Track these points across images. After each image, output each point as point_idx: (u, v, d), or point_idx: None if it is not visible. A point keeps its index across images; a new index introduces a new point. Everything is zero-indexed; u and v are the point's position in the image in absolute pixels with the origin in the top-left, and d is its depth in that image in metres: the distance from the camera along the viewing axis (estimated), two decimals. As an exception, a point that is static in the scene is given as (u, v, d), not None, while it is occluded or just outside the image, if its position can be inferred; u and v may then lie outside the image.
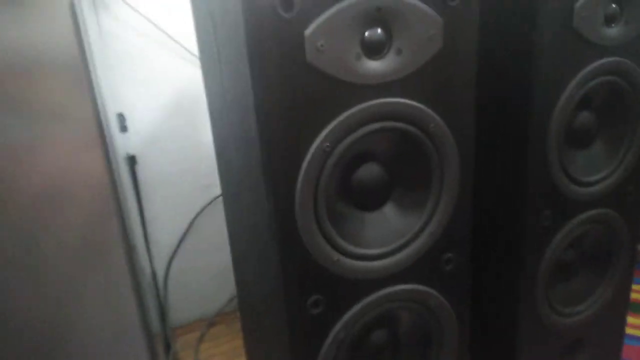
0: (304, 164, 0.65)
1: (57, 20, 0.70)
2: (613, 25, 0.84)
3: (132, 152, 1.54)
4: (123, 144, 1.42)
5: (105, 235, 0.76)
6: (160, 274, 1.70)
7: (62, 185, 0.72)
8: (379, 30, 0.64)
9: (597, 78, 0.84)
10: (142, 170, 1.57)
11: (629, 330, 1.14)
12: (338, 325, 0.73)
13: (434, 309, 0.80)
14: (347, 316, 0.74)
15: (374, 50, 0.65)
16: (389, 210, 0.75)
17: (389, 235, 0.74)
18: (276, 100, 0.61)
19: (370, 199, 0.74)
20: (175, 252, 1.70)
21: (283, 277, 0.69)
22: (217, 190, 1.68)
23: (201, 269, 1.75)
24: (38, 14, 0.69)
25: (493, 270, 0.96)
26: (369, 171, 0.72)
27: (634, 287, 1.07)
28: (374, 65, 0.65)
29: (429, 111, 0.69)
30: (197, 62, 1.54)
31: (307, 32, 0.60)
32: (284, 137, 0.63)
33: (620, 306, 1.05)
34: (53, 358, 0.80)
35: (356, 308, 0.74)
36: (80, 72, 0.73)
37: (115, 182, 0.79)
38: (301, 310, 0.71)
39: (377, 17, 0.63)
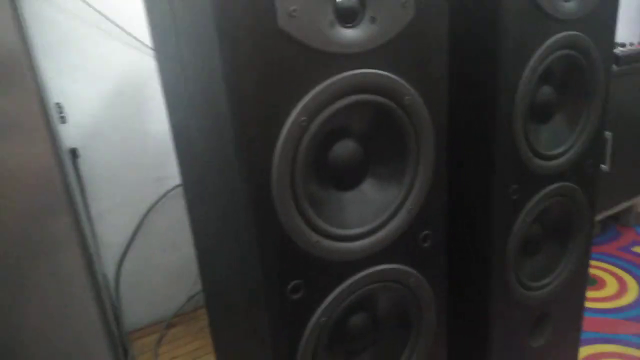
0: (280, 140, 0.60)
1: None
2: (570, -1, 0.85)
3: (72, 144, 1.43)
4: (62, 136, 1.31)
5: (57, 230, 0.69)
6: (111, 275, 1.59)
7: (7, 179, 0.65)
8: (353, -3, 0.61)
9: (556, 52, 0.85)
10: (84, 164, 1.46)
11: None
12: (319, 310, 0.70)
13: (413, 288, 0.78)
14: (328, 300, 0.70)
15: (347, 17, 0.62)
16: (366, 189, 0.72)
17: (368, 214, 0.71)
18: (247, 71, 0.57)
19: (346, 177, 0.71)
20: (125, 251, 1.60)
21: (261, 263, 0.64)
22: (168, 183, 1.60)
23: (155, 268, 1.66)
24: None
25: (463, 247, 0.96)
26: (344, 148, 0.69)
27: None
28: (348, 34, 0.62)
29: (404, 83, 0.67)
30: (140, 47, 1.45)
31: (279, -4, 0.56)
32: (257, 111, 0.59)
33: (581, 278, 1.09)
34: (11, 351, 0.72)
35: (337, 291, 0.71)
36: (21, 60, 0.66)
37: (65, 175, 0.72)
38: (281, 297, 0.67)
39: (351, -17, 0.60)
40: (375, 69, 0.65)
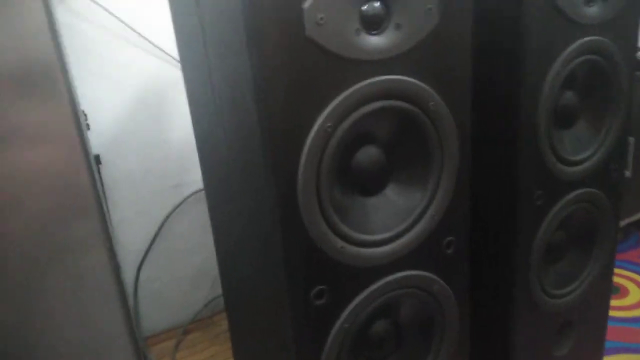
0: (306, 146, 0.61)
1: (32, 15, 0.65)
2: (592, 4, 0.85)
3: (95, 151, 1.45)
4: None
5: (87, 233, 0.71)
6: (129, 281, 1.61)
7: (40, 182, 0.67)
8: (378, 4, 0.62)
9: (580, 57, 0.85)
10: (105, 170, 1.48)
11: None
12: (343, 316, 0.70)
13: (436, 294, 0.78)
14: (351, 306, 0.70)
15: (373, 24, 0.62)
16: (389, 194, 0.72)
17: (392, 219, 0.71)
18: (276, 78, 0.58)
19: (370, 183, 0.71)
20: (144, 257, 1.61)
21: (286, 268, 0.65)
22: (186, 190, 1.61)
23: (173, 274, 1.67)
24: (12, 12, 0.64)
25: (485, 254, 0.95)
26: (368, 154, 0.69)
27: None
28: (373, 41, 0.62)
29: (429, 89, 0.67)
30: (161, 55, 1.47)
31: (306, 5, 0.57)
32: (284, 118, 0.59)
33: (605, 286, 1.07)
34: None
35: (360, 297, 0.71)
36: (56, 68, 0.68)
37: (94, 180, 0.74)
38: (305, 302, 0.67)
39: (375, -9, 0.61)
40: (400, 75, 0.65)
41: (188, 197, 1.61)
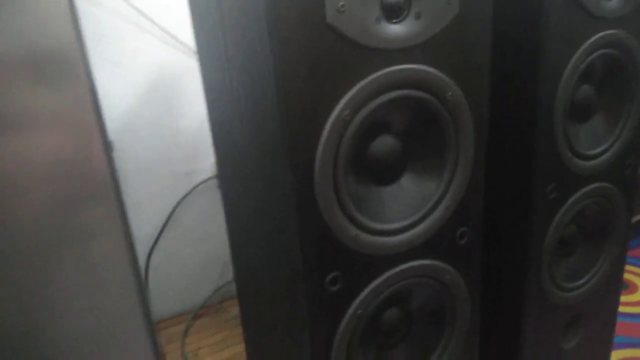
0: (324, 134, 0.61)
1: (53, 3, 0.65)
2: (612, -3, 0.84)
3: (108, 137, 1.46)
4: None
5: (104, 216, 0.72)
6: (140, 265, 1.63)
7: (60, 166, 0.68)
8: (398, -7, 0.62)
9: (598, 50, 0.84)
10: (118, 157, 1.49)
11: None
12: (356, 302, 0.71)
13: (448, 284, 0.79)
14: (364, 293, 0.71)
15: (393, 13, 0.62)
16: (404, 184, 0.73)
17: (406, 209, 0.72)
18: (296, 66, 0.58)
19: (385, 172, 0.71)
20: (154, 243, 1.63)
21: (302, 254, 0.65)
22: (197, 177, 1.63)
23: (183, 260, 1.69)
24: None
25: (497, 246, 0.95)
26: (384, 143, 0.70)
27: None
28: (393, 29, 0.62)
29: (447, 79, 0.67)
30: (174, 43, 1.48)
31: (327, -9, 0.57)
32: (303, 106, 0.60)
33: (616, 281, 1.07)
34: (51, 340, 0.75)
35: (374, 284, 0.71)
36: (77, 54, 0.69)
37: (113, 167, 0.75)
38: (320, 288, 0.68)
39: (397, -21, 0.60)
40: (418, 64, 0.65)
41: (198, 184, 1.62)
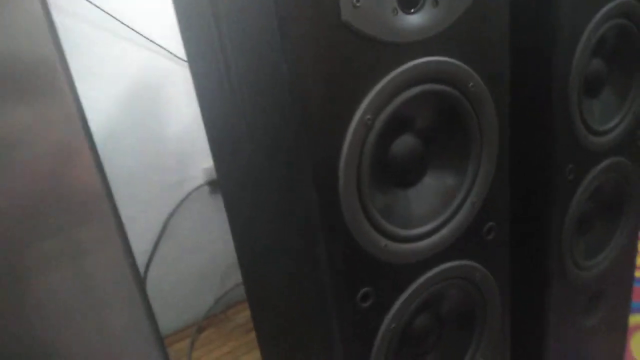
0: (346, 142, 0.56)
1: (30, 15, 0.58)
2: (619, -35, 0.80)
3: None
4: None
5: (102, 229, 0.67)
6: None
7: (52, 186, 0.62)
8: (413, -20, 0.57)
9: (610, 20, 0.81)
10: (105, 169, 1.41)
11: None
12: (389, 316, 0.67)
13: (478, 283, 0.75)
14: (397, 305, 0.67)
15: (410, 2, 0.57)
16: (427, 184, 0.68)
17: (431, 211, 0.67)
18: (311, 69, 0.52)
19: (408, 174, 0.67)
20: (151, 257, 1.56)
21: (330, 272, 0.61)
22: (189, 185, 1.55)
23: (180, 272, 1.62)
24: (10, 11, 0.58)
25: (518, 234, 0.92)
26: (405, 143, 0.65)
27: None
28: (411, 20, 0.57)
29: (468, 69, 0.63)
30: (154, 48, 1.39)
31: (340, -13, 0.51)
32: (322, 112, 0.54)
33: (632, 252, 1.06)
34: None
35: (405, 295, 0.67)
36: (58, 66, 0.62)
37: (105, 178, 0.69)
38: (351, 306, 0.63)
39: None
40: (438, 56, 0.60)
41: (190, 193, 1.55)
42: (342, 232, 0.60)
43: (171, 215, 1.54)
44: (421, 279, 0.68)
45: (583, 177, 0.88)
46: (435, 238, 0.67)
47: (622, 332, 1.15)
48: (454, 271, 0.71)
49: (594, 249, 0.99)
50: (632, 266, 1.09)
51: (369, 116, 0.57)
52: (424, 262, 0.68)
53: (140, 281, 0.79)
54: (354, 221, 0.60)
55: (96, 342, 0.75)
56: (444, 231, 0.68)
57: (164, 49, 1.40)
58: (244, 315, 1.63)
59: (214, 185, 1.58)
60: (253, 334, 1.54)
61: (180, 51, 1.43)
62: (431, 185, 0.68)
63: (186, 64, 1.44)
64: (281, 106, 0.56)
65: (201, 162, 1.55)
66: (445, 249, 0.69)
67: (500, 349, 0.84)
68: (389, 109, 0.58)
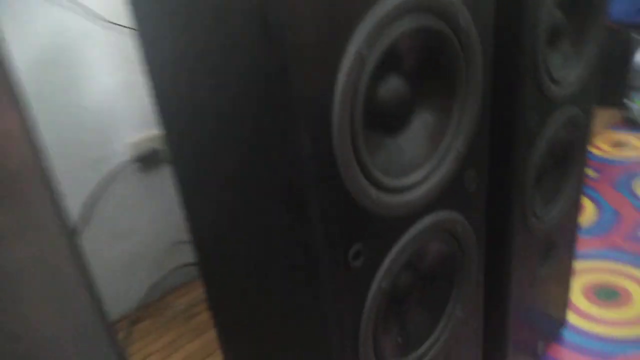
0: (341, 77, 0.49)
1: None
2: None
3: None
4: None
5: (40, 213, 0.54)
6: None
7: None
8: None
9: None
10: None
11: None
12: (379, 274, 0.61)
13: (459, 235, 0.72)
14: (386, 262, 0.62)
15: None
16: (414, 130, 0.63)
17: (419, 158, 0.63)
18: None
19: (396, 119, 0.61)
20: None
21: (323, 228, 0.54)
22: (112, 163, 1.39)
23: (107, 260, 1.46)
24: None
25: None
26: (392, 85, 0.59)
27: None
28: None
29: (460, 3, 0.58)
30: (64, 2, 1.20)
31: None
32: (312, 43, 0.47)
33: (578, 203, 1.10)
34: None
35: (394, 251, 0.62)
36: None
37: (39, 151, 0.56)
38: (343, 268, 0.57)
39: None
40: (429, -15, 0.55)
41: (115, 171, 1.39)
42: (335, 184, 0.53)
43: (94, 196, 1.37)
44: (409, 234, 0.64)
45: (543, 127, 0.88)
46: (424, 188, 0.63)
47: (568, 279, 1.21)
48: (439, 224, 0.68)
49: (547, 200, 1.01)
50: (577, 216, 1.13)
51: (363, 48, 0.50)
52: (411, 216, 0.64)
53: (83, 265, 0.67)
54: (347, 169, 0.53)
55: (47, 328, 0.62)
56: (432, 180, 0.64)
57: (81, 5, 1.22)
58: (184, 300, 1.52)
59: (143, 161, 1.43)
60: (197, 320, 1.44)
61: (102, 8, 1.26)
62: (418, 130, 0.63)
63: (109, 25, 1.27)
64: (258, 40, 0.47)
65: (125, 136, 1.39)
66: (432, 201, 0.65)
67: (475, 301, 0.83)
68: (384, 42, 0.52)
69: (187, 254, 1.58)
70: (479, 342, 0.90)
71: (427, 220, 0.66)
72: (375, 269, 0.61)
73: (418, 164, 0.62)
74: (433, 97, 0.63)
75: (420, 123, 0.63)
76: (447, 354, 0.79)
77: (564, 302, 1.24)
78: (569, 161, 1.02)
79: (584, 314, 1.31)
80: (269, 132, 0.53)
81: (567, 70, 0.89)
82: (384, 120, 0.59)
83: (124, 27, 1.29)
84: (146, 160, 1.44)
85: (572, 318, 1.29)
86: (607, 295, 1.36)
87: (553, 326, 1.23)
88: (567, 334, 1.25)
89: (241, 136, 0.59)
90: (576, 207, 1.11)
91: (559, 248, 1.10)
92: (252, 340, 0.83)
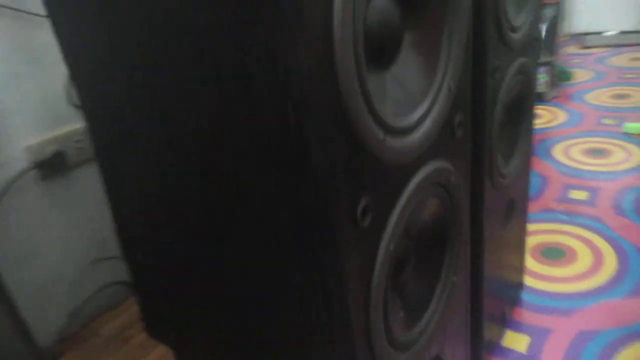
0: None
1: None
2: None
3: None
4: None
5: None
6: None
7: None
8: None
9: None
10: None
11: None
12: (386, 235, 0.52)
13: (452, 188, 0.66)
14: (392, 221, 0.53)
15: None
16: (406, 64, 0.55)
17: (414, 96, 0.55)
18: None
19: (386, 50, 0.53)
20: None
21: (332, 179, 0.44)
22: (7, 172, 1.16)
23: (14, 288, 1.21)
24: None
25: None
26: (381, 9, 0.51)
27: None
28: None
29: None
30: None
31: None
32: None
33: (529, 158, 1.10)
34: None
35: (398, 209, 0.54)
36: None
37: None
38: (353, 224, 0.47)
39: None
40: None
41: (12, 182, 1.16)
42: (342, 124, 0.43)
43: (-10, 213, 1.13)
44: (411, 186, 0.55)
45: (503, 78, 0.85)
46: (422, 130, 0.55)
47: (524, 240, 1.21)
48: (436, 174, 0.60)
49: (506, 154, 0.99)
50: (529, 172, 1.13)
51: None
52: (412, 165, 0.55)
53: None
54: (356, 107, 0.44)
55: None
56: (429, 122, 0.56)
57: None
58: (114, 324, 1.31)
59: (46, 167, 1.20)
60: (133, 342, 1.24)
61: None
62: (409, 67, 0.55)
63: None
64: None
65: (22, 138, 1.17)
66: (427, 149, 0.58)
67: (465, 265, 0.77)
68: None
69: (111, 272, 1.37)
70: (467, 311, 0.85)
71: (426, 170, 0.58)
72: (382, 230, 0.52)
73: (415, 102, 0.54)
74: (420, 25, 0.55)
75: (412, 55, 0.55)
76: (444, 328, 0.72)
77: (521, 265, 1.24)
78: (520, 115, 1.01)
79: (536, 274, 1.32)
80: (253, 64, 0.42)
81: (519, 19, 0.87)
82: (377, 52, 0.51)
83: (10, 8, 1.08)
84: (49, 166, 1.22)
85: (527, 280, 1.30)
86: (553, 254, 1.39)
87: (514, 290, 1.23)
88: (526, 296, 1.25)
89: (208, 79, 0.47)
90: (528, 162, 1.11)
91: (517, 208, 1.09)
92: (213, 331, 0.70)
